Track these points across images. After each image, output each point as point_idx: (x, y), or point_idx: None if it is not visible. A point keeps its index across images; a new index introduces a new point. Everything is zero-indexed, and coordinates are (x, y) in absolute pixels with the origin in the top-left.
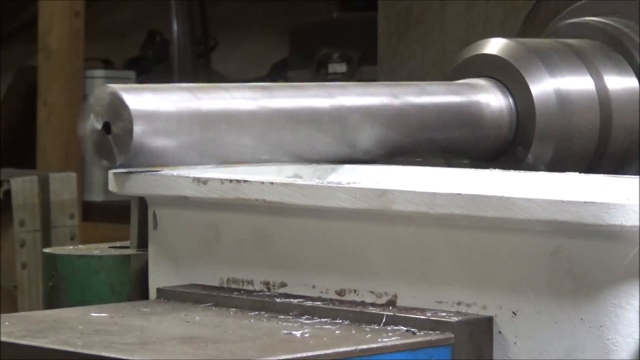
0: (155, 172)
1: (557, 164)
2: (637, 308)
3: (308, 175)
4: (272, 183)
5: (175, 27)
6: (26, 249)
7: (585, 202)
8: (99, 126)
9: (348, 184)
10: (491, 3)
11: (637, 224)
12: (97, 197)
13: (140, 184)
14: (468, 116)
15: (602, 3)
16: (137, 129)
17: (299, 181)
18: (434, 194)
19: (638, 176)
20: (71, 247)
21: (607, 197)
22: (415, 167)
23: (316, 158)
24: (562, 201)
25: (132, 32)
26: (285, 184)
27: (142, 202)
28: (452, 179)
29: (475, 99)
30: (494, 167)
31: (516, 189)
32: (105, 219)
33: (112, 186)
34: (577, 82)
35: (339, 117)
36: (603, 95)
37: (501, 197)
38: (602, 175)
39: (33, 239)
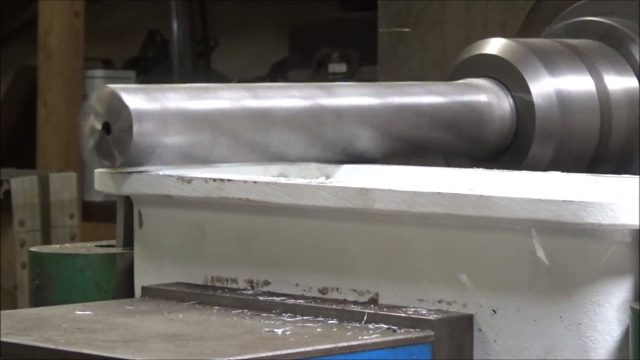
0: (141, 171)
1: (557, 164)
2: (615, 306)
3: (293, 175)
4: (255, 182)
5: (175, 27)
6: (26, 249)
7: (564, 201)
8: (98, 126)
9: (330, 182)
10: (491, 3)
11: (615, 222)
12: (97, 197)
13: (125, 183)
14: (468, 116)
15: (601, 3)
16: (137, 129)
17: (282, 180)
18: (415, 193)
19: (620, 176)
20: (57, 245)
21: (586, 196)
22: (401, 167)
23: (316, 158)
24: (541, 200)
25: (132, 32)
26: (268, 183)
27: (128, 201)
28: (436, 178)
29: (475, 99)
30: (494, 167)
31: (497, 188)
32: (105, 219)
33: (98, 185)
34: (577, 82)
35: (338, 117)
36: (603, 95)
37: (481, 195)
38: (583, 174)
39: (33, 239)
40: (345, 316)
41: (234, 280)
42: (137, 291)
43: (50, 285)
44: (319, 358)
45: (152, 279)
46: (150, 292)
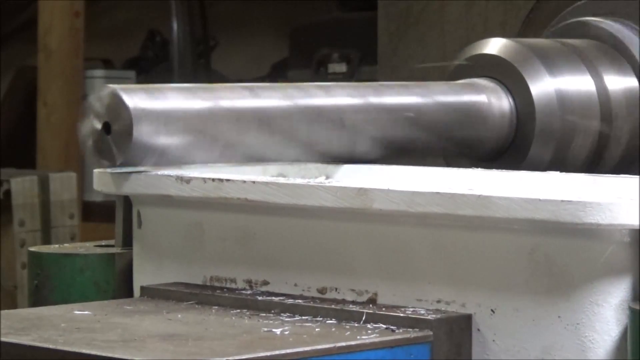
0: (140, 171)
1: (557, 164)
2: (614, 306)
3: (292, 175)
4: (254, 182)
5: (175, 27)
6: (26, 249)
7: (562, 201)
8: (98, 126)
9: (329, 182)
10: (491, 3)
11: (613, 222)
12: (97, 197)
13: (124, 183)
14: (468, 116)
15: (601, 3)
16: (137, 129)
17: (281, 180)
18: (414, 193)
19: (619, 175)
20: (57, 245)
21: (584, 195)
22: (400, 167)
23: (316, 157)
24: (540, 200)
25: (132, 32)
26: (267, 182)
27: (127, 201)
28: (435, 178)
29: (475, 99)
30: (494, 168)
31: (495, 188)
32: (105, 219)
33: (98, 185)
34: (577, 82)
35: (339, 117)
36: (603, 95)
37: (479, 195)
38: (582, 174)
39: (33, 239)
40: (344, 316)
41: (233, 280)
42: (136, 291)
43: (49, 285)
44: (317, 358)
45: (151, 279)
46: (149, 292)
